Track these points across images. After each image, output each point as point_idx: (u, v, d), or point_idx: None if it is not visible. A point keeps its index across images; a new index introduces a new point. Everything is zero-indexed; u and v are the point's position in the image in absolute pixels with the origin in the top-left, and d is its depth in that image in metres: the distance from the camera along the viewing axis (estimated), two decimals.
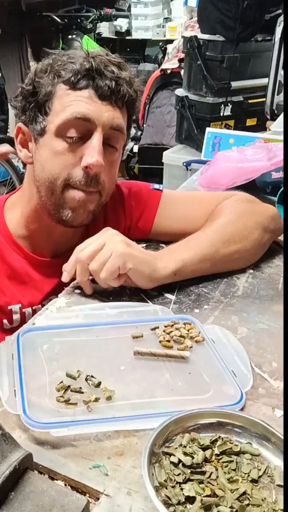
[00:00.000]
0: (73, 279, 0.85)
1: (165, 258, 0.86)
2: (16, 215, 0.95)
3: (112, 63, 0.87)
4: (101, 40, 4.59)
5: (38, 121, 0.87)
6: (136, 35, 4.72)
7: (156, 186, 1.05)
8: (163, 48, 4.27)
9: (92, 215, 0.91)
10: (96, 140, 0.84)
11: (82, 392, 0.61)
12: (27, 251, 0.95)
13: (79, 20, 4.22)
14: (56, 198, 0.87)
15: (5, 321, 0.93)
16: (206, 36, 2.75)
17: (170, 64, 3.72)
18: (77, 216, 0.89)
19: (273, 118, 2.31)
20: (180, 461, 0.53)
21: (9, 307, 0.93)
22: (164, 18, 4.72)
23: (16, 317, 0.93)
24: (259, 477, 0.53)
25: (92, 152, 0.83)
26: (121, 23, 4.74)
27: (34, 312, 0.94)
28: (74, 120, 0.83)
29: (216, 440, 0.56)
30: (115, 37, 4.90)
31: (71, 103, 0.84)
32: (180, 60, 3.49)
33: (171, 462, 0.53)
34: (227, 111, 2.81)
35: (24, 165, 0.95)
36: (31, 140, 0.90)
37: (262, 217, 0.97)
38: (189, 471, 0.52)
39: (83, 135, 0.85)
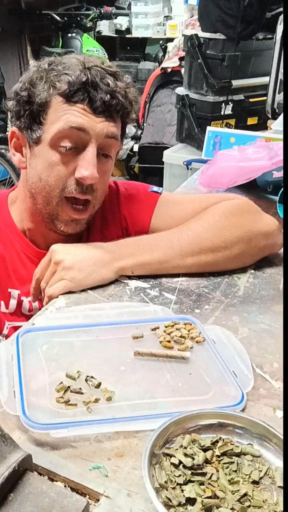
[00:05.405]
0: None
1: (125, 259, 0.88)
2: (17, 210, 0.99)
3: (108, 74, 0.87)
4: (101, 39, 4.58)
5: (33, 129, 0.88)
6: (136, 33, 4.71)
7: (155, 188, 1.04)
8: (163, 47, 4.27)
9: (85, 223, 0.94)
10: (90, 152, 0.86)
11: (82, 393, 0.61)
12: (29, 243, 0.98)
13: (79, 18, 4.20)
14: (51, 208, 0.90)
15: (2, 303, 0.95)
16: (206, 35, 2.74)
17: (171, 62, 3.71)
18: (70, 229, 0.92)
19: (274, 117, 2.30)
20: (180, 462, 0.52)
21: (9, 290, 0.95)
22: (164, 16, 4.71)
23: (13, 302, 0.95)
24: (260, 478, 0.53)
25: (87, 165, 0.85)
26: (121, 21, 4.72)
27: (29, 302, 0.97)
28: (69, 129, 0.84)
29: (217, 441, 0.55)
30: (115, 35, 4.89)
31: (66, 113, 0.85)
32: (181, 59, 3.48)
33: (172, 463, 0.52)
34: (228, 110, 2.80)
35: None
36: (25, 145, 0.92)
37: (249, 233, 0.92)
38: (189, 472, 0.52)
39: (78, 145, 0.86)
